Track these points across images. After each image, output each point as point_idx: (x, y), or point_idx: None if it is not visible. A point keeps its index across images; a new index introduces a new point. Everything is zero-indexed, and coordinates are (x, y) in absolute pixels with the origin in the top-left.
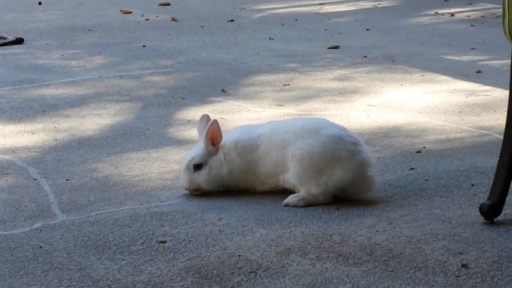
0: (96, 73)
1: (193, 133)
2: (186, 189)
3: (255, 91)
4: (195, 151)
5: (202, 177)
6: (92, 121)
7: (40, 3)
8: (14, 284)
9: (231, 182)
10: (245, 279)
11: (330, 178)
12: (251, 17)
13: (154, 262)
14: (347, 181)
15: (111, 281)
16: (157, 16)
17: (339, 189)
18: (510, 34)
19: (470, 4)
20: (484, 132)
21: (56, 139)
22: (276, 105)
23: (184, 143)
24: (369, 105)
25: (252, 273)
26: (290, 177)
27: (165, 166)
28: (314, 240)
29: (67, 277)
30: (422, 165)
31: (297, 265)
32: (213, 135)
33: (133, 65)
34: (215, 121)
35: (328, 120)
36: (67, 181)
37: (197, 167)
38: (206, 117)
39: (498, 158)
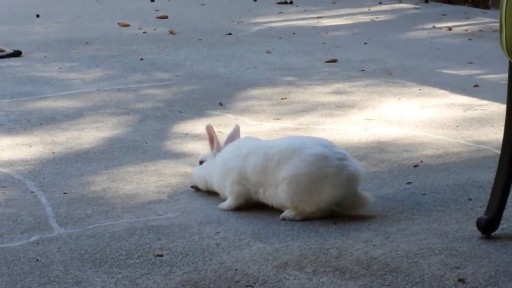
0: (93, 86)
1: (190, 146)
2: None
3: (253, 104)
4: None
5: (195, 171)
6: (90, 134)
7: (38, 16)
8: None
9: (212, 183)
10: None
11: (321, 197)
12: (248, 31)
13: (151, 276)
14: (338, 197)
15: None
16: (154, 29)
17: (332, 205)
18: (507, 49)
19: (467, 18)
20: (482, 146)
21: (53, 152)
22: (274, 119)
23: (181, 156)
24: (367, 119)
25: (249, 287)
26: (280, 199)
27: (163, 179)
28: (311, 254)
29: None
30: (419, 179)
31: (294, 279)
32: (209, 139)
33: (130, 78)
34: (207, 126)
35: (314, 138)
36: (65, 194)
37: (200, 162)
38: (235, 128)
39: (495, 172)
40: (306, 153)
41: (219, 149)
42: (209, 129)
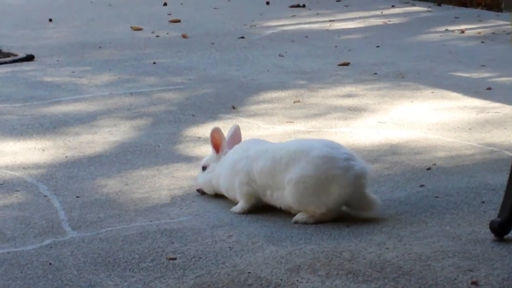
0: (106, 90)
1: (203, 150)
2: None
3: (265, 108)
4: (210, 155)
5: (200, 178)
6: (102, 138)
7: (50, 20)
8: None
9: (220, 186)
10: None
11: (329, 197)
12: (261, 34)
13: (164, 279)
14: (346, 196)
15: None
16: (167, 33)
17: (341, 205)
18: None
19: (480, 21)
20: (494, 149)
21: (66, 156)
22: (287, 122)
23: (194, 160)
24: (379, 122)
25: None
26: (288, 201)
27: (175, 183)
28: (324, 257)
29: None
30: (432, 182)
31: (307, 282)
32: (215, 143)
33: (143, 82)
34: (216, 129)
35: (321, 140)
36: (77, 198)
37: (203, 168)
38: (235, 128)
39: (508, 175)
40: (313, 155)
41: (224, 152)
42: (218, 132)
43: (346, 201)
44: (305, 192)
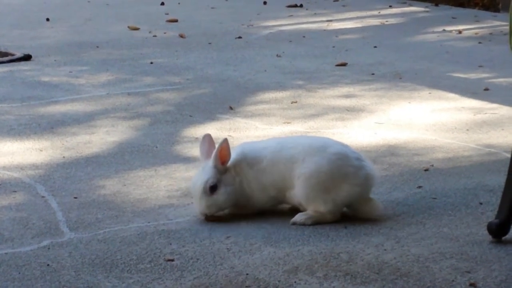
0: (103, 90)
1: None
2: (206, 214)
3: (263, 108)
4: (206, 173)
5: (222, 197)
6: (100, 138)
7: (48, 19)
8: None
9: (246, 196)
10: None
11: (338, 194)
12: (258, 34)
13: (162, 281)
14: (354, 196)
15: None
16: (164, 33)
17: (346, 204)
18: None
19: (477, 21)
20: (492, 150)
21: (64, 156)
22: (284, 123)
23: (192, 160)
24: (377, 122)
25: None
26: (297, 195)
27: (173, 183)
28: (321, 259)
29: None
30: (430, 183)
31: (305, 283)
32: (223, 154)
33: (140, 82)
34: (226, 140)
35: (331, 138)
36: (75, 199)
37: (213, 188)
38: (208, 137)
39: (506, 176)
40: (329, 151)
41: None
42: (227, 145)
43: (353, 200)
44: (317, 187)
